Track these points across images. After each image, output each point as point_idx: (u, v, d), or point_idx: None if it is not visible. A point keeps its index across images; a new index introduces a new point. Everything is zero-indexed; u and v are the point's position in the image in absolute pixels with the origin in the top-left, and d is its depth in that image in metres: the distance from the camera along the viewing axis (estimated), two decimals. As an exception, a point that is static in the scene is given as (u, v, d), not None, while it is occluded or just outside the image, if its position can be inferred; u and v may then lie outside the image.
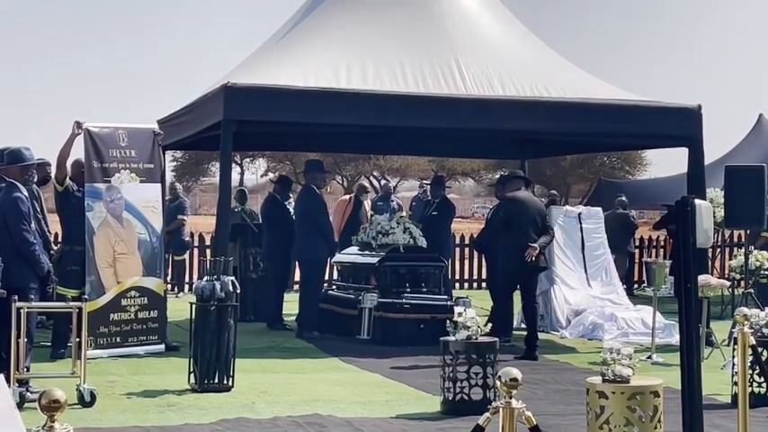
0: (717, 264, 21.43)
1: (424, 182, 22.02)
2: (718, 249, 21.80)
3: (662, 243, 23.15)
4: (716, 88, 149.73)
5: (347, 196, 18.90)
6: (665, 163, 72.49)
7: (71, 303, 9.10)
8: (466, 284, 21.13)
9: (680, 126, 12.96)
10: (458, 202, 35.30)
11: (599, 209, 16.02)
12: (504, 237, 12.11)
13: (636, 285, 20.70)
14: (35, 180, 9.94)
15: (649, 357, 11.49)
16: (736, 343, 7.84)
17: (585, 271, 14.85)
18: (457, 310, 8.90)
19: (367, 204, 18.71)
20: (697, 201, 5.72)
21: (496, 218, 12.83)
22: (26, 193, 9.32)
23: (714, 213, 9.33)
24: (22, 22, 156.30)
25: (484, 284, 18.23)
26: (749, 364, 7.66)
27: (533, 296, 12.30)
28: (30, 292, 8.93)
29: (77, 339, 8.66)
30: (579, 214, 15.16)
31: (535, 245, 11.82)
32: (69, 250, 11.32)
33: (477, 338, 8.62)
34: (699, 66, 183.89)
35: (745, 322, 6.62)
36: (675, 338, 11.87)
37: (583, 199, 39.02)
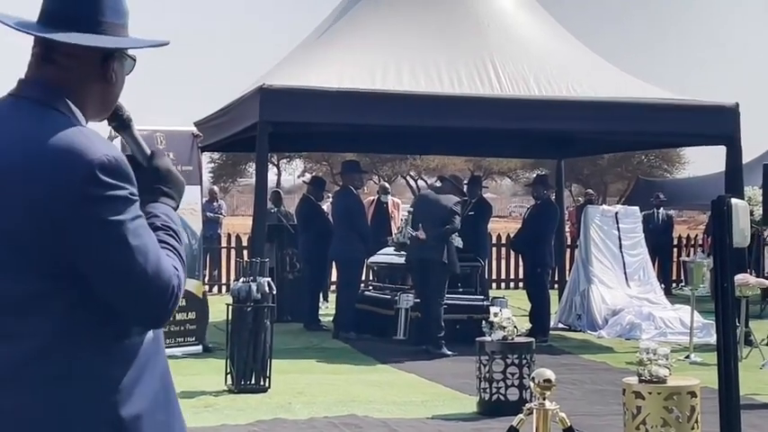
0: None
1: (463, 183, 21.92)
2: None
3: (700, 242, 23.00)
4: (754, 86, 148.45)
5: (370, 198, 18.91)
6: (703, 161, 71.61)
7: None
8: (503, 284, 21.09)
9: (717, 125, 12.86)
10: (495, 202, 35.24)
11: (636, 208, 15.95)
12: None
13: (674, 285, 20.57)
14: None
15: (687, 357, 11.43)
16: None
17: (624, 270, 14.79)
18: (493, 310, 8.90)
19: (391, 204, 18.72)
20: (733, 200, 5.69)
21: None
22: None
23: (752, 212, 9.29)
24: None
25: (521, 284, 18.17)
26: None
27: (423, 290, 12.30)
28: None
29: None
30: (616, 213, 15.10)
31: (418, 232, 12.18)
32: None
33: (513, 339, 8.61)
34: (736, 63, 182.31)
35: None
36: (714, 338, 11.78)
37: (620, 198, 38.79)
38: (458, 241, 13.46)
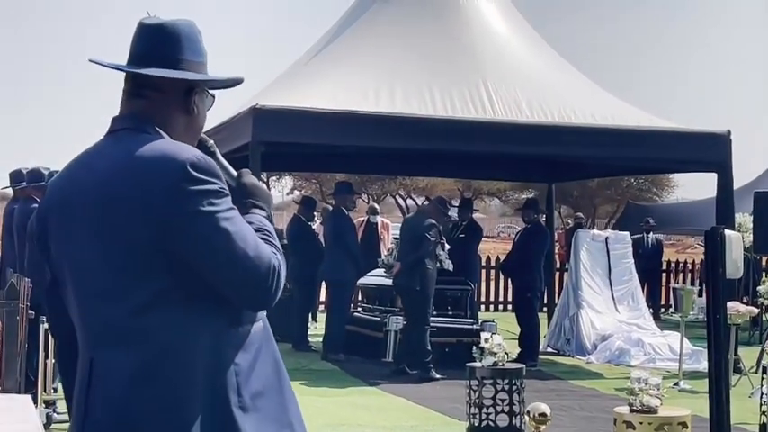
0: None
1: (451, 204, 21.90)
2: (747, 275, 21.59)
3: (689, 267, 23.04)
4: (745, 112, 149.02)
5: (360, 219, 18.89)
6: (693, 185, 71.87)
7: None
8: (492, 307, 21.06)
9: (709, 152, 12.89)
10: (484, 222, 35.17)
11: (626, 233, 15.93)
12: None
13: (662, 310, 20.57)
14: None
15: (677, 384, 11.42)
16: (765, 372, 7.80)
17: (612, 296, 14.79)
18: (483, 335, 8.89)
19: (380, 225, 18.67)
20: (726, 231, 5.70)
21: None
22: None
23: (743, 238, 9.28)
24: (52, 38, 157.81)
25: (510, 307, 18.16)
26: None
27: (406, 316, 12.34)
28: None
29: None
30: (606, 239, 15.10)
31: (395, 263, 12.40)
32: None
33: (503, 364, 8.60)
34: (728, 90, 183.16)
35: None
36: (703, 365, 11.76)
37: (609, 221, 38.84)
38: (448, 264, 13.46)
